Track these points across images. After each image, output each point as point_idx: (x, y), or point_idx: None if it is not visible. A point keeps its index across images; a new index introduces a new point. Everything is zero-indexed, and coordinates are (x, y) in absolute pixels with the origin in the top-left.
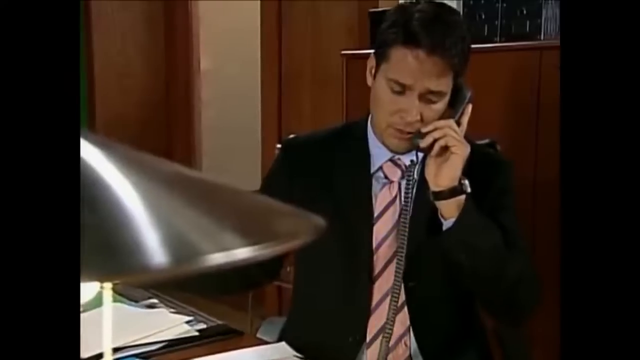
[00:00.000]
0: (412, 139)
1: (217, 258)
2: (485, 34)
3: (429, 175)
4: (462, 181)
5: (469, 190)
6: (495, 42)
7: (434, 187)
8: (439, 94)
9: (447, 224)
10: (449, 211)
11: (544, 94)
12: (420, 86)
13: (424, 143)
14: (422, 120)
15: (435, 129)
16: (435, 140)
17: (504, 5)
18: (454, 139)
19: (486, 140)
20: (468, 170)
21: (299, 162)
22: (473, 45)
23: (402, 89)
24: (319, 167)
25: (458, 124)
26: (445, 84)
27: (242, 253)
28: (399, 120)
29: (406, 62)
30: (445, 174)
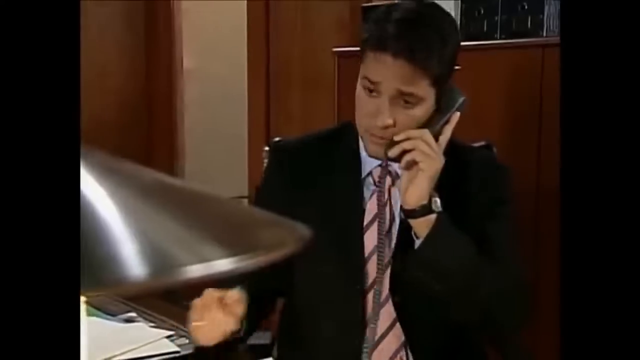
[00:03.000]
0: (385, 147)
1: (196, 270)
2: (485, 30)
3: (401, 190)
4: (433, 198)
5: (439, 209)
6: (495, 39)
7: (404, 204)
8: (413, 97)
9: (417, 243)
10: (420, 230)
11: (547, 93)
12: (389, 87)
13: (391, 153)
14: (395, 125)
15: (406, 139)
16: (405, 152)
17: (504, 0)
18: (423, 154)
19: (482, 143)
20: (463, 174)
21: (292, 166)
22: (471, 43)
23: (374, 89)
24: (313, 171)
25: (439, 134)
26: (419, 89)
27: (223, 264)
28: (372, 124)
29: (375, 64)
30: (413, 192)
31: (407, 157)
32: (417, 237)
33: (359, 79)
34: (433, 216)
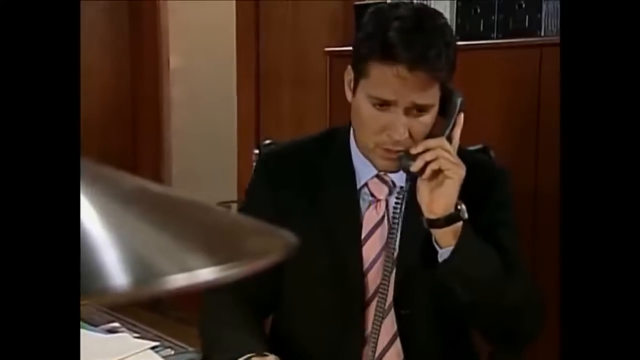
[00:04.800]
0: (401, 161)
1: (179, 279)
2: (481, 29)
3: (422, 200)
4: (459, 207)
5: (466, 216)
6: (492, 38)
7: (428, 214)
8: (426, 107)
9: (442, 254)
10: (445, 239)
11: (545, 94)
12: (405, 101)
13: (414, 167)
14: (410, 136)
15: (426, 150)
16: (427, 163)
17: None
18: (448, 162)
19: (478, 146)
20: (463, 181)
21: (280, 175)
22: (468, 42)
23: (385, 105)
24: (303, 180)
25: (450, 138)
26: (432, 96)
27: (207, 274)
28: (387, 139)
29: (386, 79)
30: (440, 200)
31: (432, 167)
32: (441, 247)
33: (363, 95)
34: (459, 224)
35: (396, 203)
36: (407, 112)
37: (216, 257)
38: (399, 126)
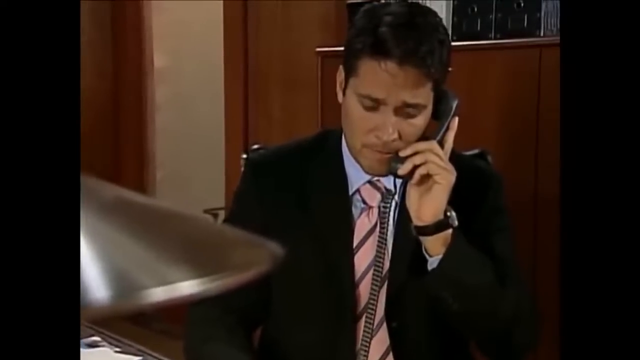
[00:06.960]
0: (390, 163)
1: (161, 293)
2: (479, 29)
3: (411, 206)
4: (448, 213)
5: (456, 223)
6: (490, 38)
7: (416, 221)
8: (417, 107)
9: (432, 262)
10: (435, 248)
11: (544, 96)
12: (395, 100)
13: (402, 170)
14: (400, 137)
15: (415, 153)
16: (415, 167)
17: None
18: (437, 166)
19: (475, 151)
20: (456, 186)
21: (269, 181)
22: (465, 43)
23: (375, 105)
24: (292, 186)
25: (442, 142)
26: (423, 96)
27: (189, 287)
28: (375, 140)
29: (376, 76)
30: (429, 207)
31: (420, 171)
32: (430, 255)
33: (353, 95)
34: (449, 231)
35: (384, 207)
36: (397, 112)
37: (199, 269)
38: (388, 126)
